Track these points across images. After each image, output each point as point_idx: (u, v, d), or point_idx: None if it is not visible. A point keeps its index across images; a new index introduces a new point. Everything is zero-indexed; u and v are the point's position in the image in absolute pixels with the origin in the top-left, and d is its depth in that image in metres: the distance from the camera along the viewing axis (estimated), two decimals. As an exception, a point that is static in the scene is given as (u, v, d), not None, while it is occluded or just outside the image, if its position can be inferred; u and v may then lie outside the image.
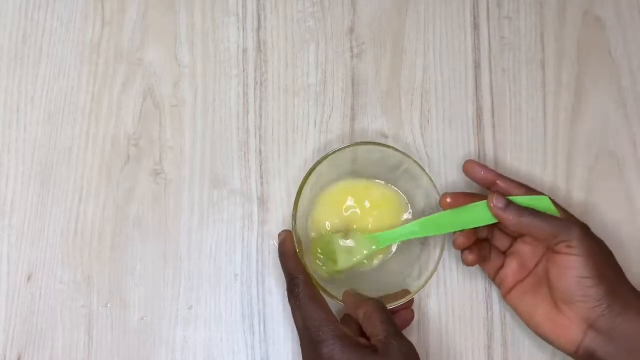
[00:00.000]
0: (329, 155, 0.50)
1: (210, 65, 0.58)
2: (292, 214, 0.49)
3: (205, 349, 0.53)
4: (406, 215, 0.53)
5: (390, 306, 0.48)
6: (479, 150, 0.57)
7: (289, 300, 0.47)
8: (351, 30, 0.59)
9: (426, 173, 0.51)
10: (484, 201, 0.48)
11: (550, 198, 0.49)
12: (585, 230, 0.47)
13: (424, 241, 0.52)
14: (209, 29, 0.58)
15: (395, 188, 0.53)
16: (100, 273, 0.54)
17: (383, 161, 0.52)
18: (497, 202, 0.48)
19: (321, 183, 0.53)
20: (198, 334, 0.54)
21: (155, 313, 0.54)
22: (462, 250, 0.50)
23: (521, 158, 0.57)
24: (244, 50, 0.58)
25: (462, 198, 0.49)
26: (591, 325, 0.46)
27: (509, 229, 0.49)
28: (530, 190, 0.50)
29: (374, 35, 0.59)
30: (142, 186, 0.56)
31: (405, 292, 0.50)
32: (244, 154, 0.56)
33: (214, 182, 0.56)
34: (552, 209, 0.48)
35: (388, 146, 0.51)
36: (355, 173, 0.53)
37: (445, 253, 0.55)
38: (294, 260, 0.48)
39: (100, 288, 0.54)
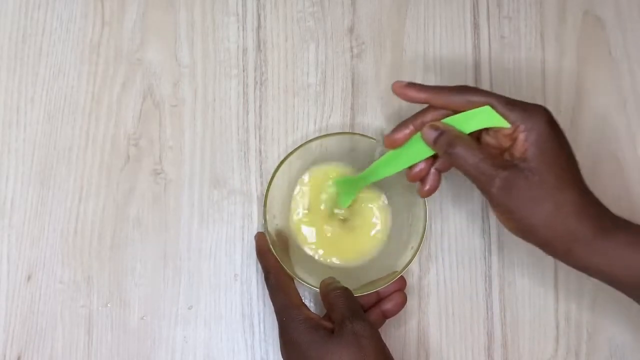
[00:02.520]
0: (295, 150, 0.51)
1: (210, 65, 0.58)
2: (263, 213, 0.51)
3: (205, 348, 0.53)
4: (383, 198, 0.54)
5: (379, 288, 0.49)
6: (479, 150, 0.57)
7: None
8: (351, 30, 0.59)
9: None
10: (419, 134, 0.47)
11: (499, 101, 0.44)
12: (510, 182, 0.43)
13: (412, 223, 0.52)
14: (209, 28, 0.58)
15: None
16: (100, 273, 0.54)
17: (355, 152, 0.53)
18: (429, 133, 0.45)
19: (296, 180, 0.54)
20: (198, 334, 0.54)
21: (155, 313, 0.54)
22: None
23: (521, 158, 0.57)
24: (244, 50, 0.58)
25: (403, 131, 0.47)
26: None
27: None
28: (468, 96, 0.45)
29: (374, 35, 0.59)
30: (142, 186, 0.56)
31: (394, 273, 0.50)
32: (244, 154, 0.56)
33: (214, 182, 0.56)
34: (496, 120, 0.44)
35: (354, 133, 0.53)
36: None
37: (445, 253, 0.55)
38: (267, 256, 0.51)
39: (100, 288, 0.54)
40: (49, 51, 0.57)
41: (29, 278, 0.54)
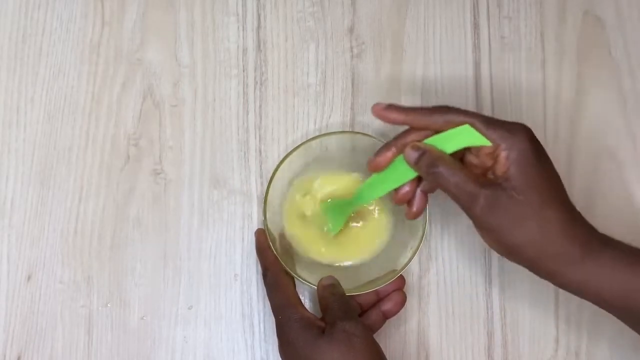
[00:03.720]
0: (296, 149, 0.51)
1: (210, 65, 0.58)
2: (263, 210, 0.50)
3: (205, 348, 0.53)
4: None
5: (378, 287, 0.50)
6: (479, 150, 0.57)
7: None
8: (351, 30, 0.59)
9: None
10: (402, 156, 0.46)
11: (479, 120, 0.44)
12: (493, 201, 0.42)
13: (412, 223, 0.52)
14: (209, 28, 0.58)
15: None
16: (100, 273, 0.54)
17: (356, 151, 0.53)
18: (411, 154, 0.45)
19: (297, 178, 0.54)
20: (198, 334, 0.54)
21: (155, 313, 0.54)
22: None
23: (521, 158, 0.57)
24: (244, 50, 0.58)
25: (386, 154, 0.47)
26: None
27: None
28: (448, 116, 0.45)
29: (374, 35, 0.59)
30: (142, 186, 0.56)
31: (394, 272, 0.50)
32: (244, 154, 0.56)
33: (214, 182, 0.56)
34: (476, 139, 0.44)
35: (355, 132, 0.53)
36: (328, 165, 0.54)
37: (445, 252, 0.55)
38: (266, 254, 0.51)
39: (100, 288, 0.54)
40: (49, 51, 0.57)
41: (29, 278, 0.54)
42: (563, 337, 0.54)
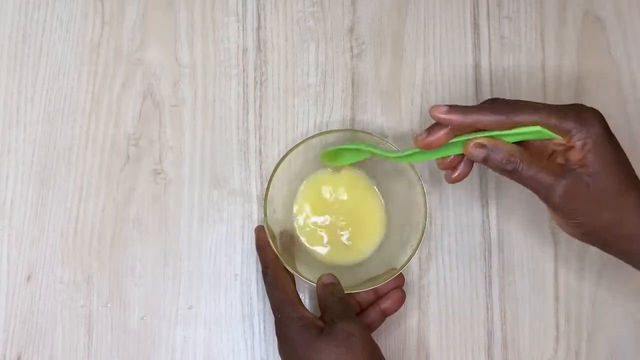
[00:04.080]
0: (297, 146, 0.51)
1: (210, 65, 0.58)
2: (263, 207, 0.50)
3: (205, 349, 0.53)
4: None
5: (377, 286, 0.49)
6: (479, 150, 0.57)
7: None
8: (351, 30, 0.59)
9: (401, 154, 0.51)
10: (462, 142, 0.45)
11: (551, 114, 0.43)
12: (572, 189, 0.43)
13: (412, 222, 0.52)
14: (209, 28, 0.58)
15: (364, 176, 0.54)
16: (100, 273, 0.54)
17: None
18: (477, 153, 0.44)
19: (297, 176, 0.54)
20: (198, 334, 0.54)
21: (155, 313, 0.54)
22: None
23: (521, 158, 0.57)
24: (244, 50, 0.58)
25: (439, 136, 0.45)
26: None
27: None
28: (517, 117, 0.43)
29: (374, 35, 0.59)
30: (142, 186, 0.56)
31: (393, 270, 0.50)
32: (244, 154, 0.56)
33: (214, 182, 0.56)
34: (547, 135, 0.43)
35: (356, 130, 0.52)
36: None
37: (445, 253, 0.55)
38: (265, 251, 0.51)
39: (100, 288, 0.54)
40: (49, 51, 0.57)
41: (29, 278, 0.54)
42: (563, 337, 0.54)
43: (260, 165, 0.56)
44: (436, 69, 0.58)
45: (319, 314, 0.48)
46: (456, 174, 0.47)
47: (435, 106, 0.44)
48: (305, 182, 0.54)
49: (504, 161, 0.44)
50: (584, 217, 0.44)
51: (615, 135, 0.56)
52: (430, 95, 0.58)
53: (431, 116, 0.44)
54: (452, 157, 0.47)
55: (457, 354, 0.54)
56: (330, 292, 0.48)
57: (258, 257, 0.52)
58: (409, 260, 0.50)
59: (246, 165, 0.56)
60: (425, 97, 0.58)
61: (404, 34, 0.59)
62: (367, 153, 0.50)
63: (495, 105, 0.44)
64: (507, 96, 0.58)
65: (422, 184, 0.50)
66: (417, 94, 0.58)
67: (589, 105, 0.45)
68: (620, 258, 0.46)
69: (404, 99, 0.58)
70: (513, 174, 0.44)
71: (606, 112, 0.57)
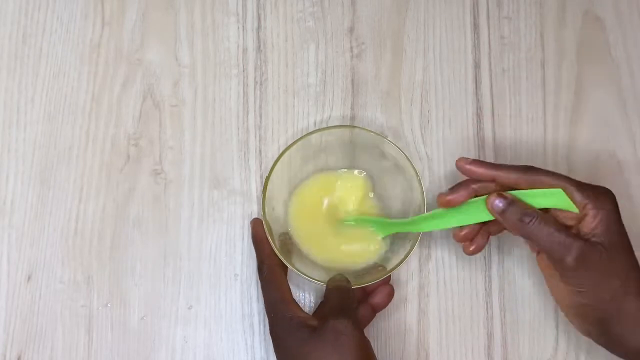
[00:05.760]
0: (295, 143, 0.51)
1: (210, 65, 0.58)
2: (262, 203, 0.50)
3: (205, 349, 0.53)
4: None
5: (367, 284, 0.49)
6: (478, 150, 0.57)
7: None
8: (351, 30, 0.59)
9: (403, 152, 0.51)
10: (482, 199, 0.47)
11: (571, 183, 0.45)
12: (586, 253, 0.44)
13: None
14: (209, 28, 0.58)
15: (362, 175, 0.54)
16: (100, 273, 0.54)
17: (355, 145, 0.53)
18: (497, 203, 0.46)
19: (296, 174, 0.53)
20: (198, 334, 0.54)
21: (155, 313, 0.54)
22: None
23: (521, 158, 0.57)
24: (244, 50, 0.58)
25: (461, 194, 0.48)
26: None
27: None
28: (538, 177, 0.46)
29: (374, 35, 0.59)
30: (142, 186, 0.56)
31: (382, 269, 0.50)
32: (244, 154, 0.56)
33: (214, 182, 0.56)
34: (566, 204, 0.45)
35: (354, 127, 0.53)
36: (327, 161, 0.54)
37: (445, 252, 0.55)
38: (262, 245, 0.51)
39: (100, 288, 0.54)
40: (49, 51, 0.57)
41: (29, 278, 0.54)
42: (563, 337, 0.54)
43: (260, 166, 0.56)
44: (436, 69, 0.58)
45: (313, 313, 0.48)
46: (473, 247, 0.49)
47: (460, 158, 0.48)
48: (304, 182, 0.54)
49: (522, 213, 0.45)
50: (590, 283, 0.45)
51: (614, 134, 0.57)
52: (430, 95, 0.58)
53: (457, 167, 0.47)
54: (469, 230, 0.49)
55: (457, 353, 0.54)
56: (336, 285, 0.48)
57: (254, 251, 0.52)
58: (400, 263, 0.49)
59: (246, 165, 0.56)
60: (425, 97, 0.58)
61: (404, 34, 0.59)
62: (390, 228, 0.52)
63: (521, 165, 0.47)
64: (507, 96, 0.58)
65: (421, 185, 0.50)
66: (417, 94, 0.58)
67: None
68: (613, 349, 0.47)
69: (404, 98, 0.58)
70: (530, 230, 0.45)
71: (606, 112, 0.58)
